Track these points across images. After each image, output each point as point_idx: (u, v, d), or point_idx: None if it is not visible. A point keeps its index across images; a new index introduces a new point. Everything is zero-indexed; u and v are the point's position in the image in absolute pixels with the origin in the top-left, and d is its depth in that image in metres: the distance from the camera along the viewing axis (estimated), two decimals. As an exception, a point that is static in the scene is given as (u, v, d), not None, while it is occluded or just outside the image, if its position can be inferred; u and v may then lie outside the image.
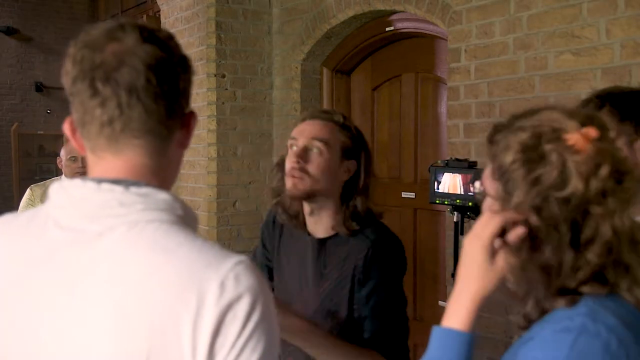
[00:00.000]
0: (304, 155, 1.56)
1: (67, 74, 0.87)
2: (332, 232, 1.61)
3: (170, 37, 0.90)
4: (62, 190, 0.86)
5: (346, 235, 1.59)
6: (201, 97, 3.91)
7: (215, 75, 3.81)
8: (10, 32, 7.24)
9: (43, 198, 3.35)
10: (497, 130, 0.96)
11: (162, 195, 0.84)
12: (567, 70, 2.41)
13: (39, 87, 7.40)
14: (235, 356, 0.77)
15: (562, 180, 0.86)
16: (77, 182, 0.85)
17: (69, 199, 0.85)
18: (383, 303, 1.55)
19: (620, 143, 1.34)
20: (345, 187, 1.60)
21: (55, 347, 0.80)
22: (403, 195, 3.50)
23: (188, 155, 4.11)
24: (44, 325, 0.81)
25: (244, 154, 3.94)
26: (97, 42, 0.85)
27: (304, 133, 1.59)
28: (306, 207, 1.63)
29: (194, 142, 4.04)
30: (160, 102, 0.85)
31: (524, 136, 0.91)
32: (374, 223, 1.62)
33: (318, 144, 1.56)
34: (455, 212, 2.53)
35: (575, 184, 0.85)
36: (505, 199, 0.90)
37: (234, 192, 3.91)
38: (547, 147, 0.88)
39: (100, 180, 0.84)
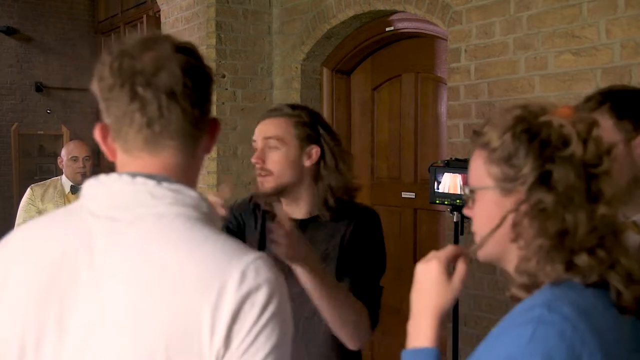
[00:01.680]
0: (262, 155, 1.65)
1: (103, 81, 0.92)
2: (309, 216, 1.67)
3: (196, 49, 0.98)
4: (98, 183, 0.92)
5: (326, 216, 1.66)
6: (201, 97, 3.91)
7: (215, 75, 3.81)
8: (10, 32, 7.24)
9: (43, 198, 3.35)
10: (483, 124, 0.99)
11: (191, 193, 0.91)
12: (567, 71, 2.41)
13: (39, 87, 7.40)
14: (250, 342, 0.82)
15: (564, 141, 0.90)
16: (114, 175, 0.92)
17: (105, 190, 0.91)
18: (365, 272, 1.62)
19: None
20: (317, 172, 1.66)
21: (94, 312, 0.87)
22: (403, 195, 3.50)
23: (188, 155, 4.11)
24: (83, 298, 0.88)
25: (243, 154, 3.93)
26: (134, 50, 0.91)
27: (259, 134, 1.68)
28: (283, 200, 1.68)
29: (194, 142, 4.04)
30: (195, 105, 0.92)
31: (516, 112, 0.94)
32: (351, 202, 1.70)
33: (272, 141, 1.64)
34: (455, 212, 2.53)
35: (575, 144, 0.89)
36: (512, 176, 0.91)
37: (234, 192, 3.91)
38: (541, 118, 0.93)
39: (134, 175, 0.90)
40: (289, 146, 1.64)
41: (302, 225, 1.66)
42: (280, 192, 1.65)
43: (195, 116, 0.93)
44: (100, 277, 0.87)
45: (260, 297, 0.84)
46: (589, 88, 2.27)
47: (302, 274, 1.46)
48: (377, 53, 3.72)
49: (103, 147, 0.97)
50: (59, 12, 7.57)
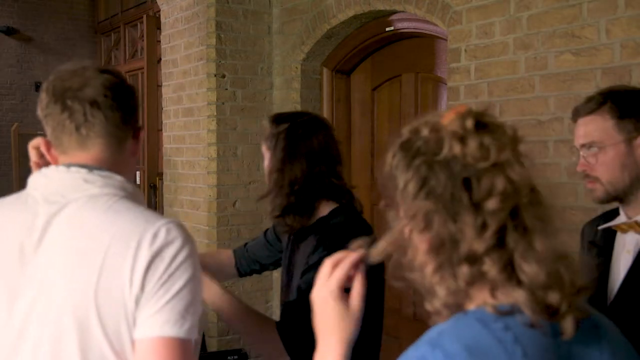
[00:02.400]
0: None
1: (41, 102, 1.18)
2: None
3: (119, 72, 1.24)
4: (40, 175, 1.16)
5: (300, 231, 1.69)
6: (201, 97, 3.91)
7: (215, 75, 3.81)
8: (10, 32, 7.24)
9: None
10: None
11: (117, 177, 1.15)
12: (567, 71, 2.41)
13: (39, 87, 7.39)
14: (161, 285, 1.04)
15: (439, 145, 0.85)
16: (52, 167, 1.16)
17: (45, 179, 1.15)
18: (301, 290, 1.59)
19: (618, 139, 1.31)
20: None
21: (38, 277, 1.09)
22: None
23: (188, 155, 4.11)
24: (31, 267, 1.10)
25: (244, 154, 3.93)
26: (65, 75, 1.17)
27: None
28: None
29: (193, 142, 4.04)
30: (116, 112, 1.17)
31: (402, 136, 0.90)
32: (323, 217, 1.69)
33: (264, 149, 1.74)
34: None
35: (449, 144, 0.84)
36: (393, 191, 0.88)
37: (234, 192, 3.91)
38: (423, 130, 0.88)
39: (69, 165, 1.15)
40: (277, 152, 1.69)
41: (290, 238, 1.78)
42: None
43: (117, 120, 1.17)
44: (41, 250, 1.09)
45: (170, 251, 1.05)
46: (589, 88, 2.27)
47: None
48: (377, 53, 3.71)
49: (48, 158, 1.20)
50: (59, 12, 7.57)
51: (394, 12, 3.34)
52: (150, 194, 5.62)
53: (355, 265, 0.97)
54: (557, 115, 2.45)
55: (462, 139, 0.84)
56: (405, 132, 0.90)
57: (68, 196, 1.11)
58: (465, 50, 2.78)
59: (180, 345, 1.05)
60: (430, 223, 0.83)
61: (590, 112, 1.53)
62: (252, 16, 3.92)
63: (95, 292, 1.04)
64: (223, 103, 3.85)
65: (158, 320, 1.04)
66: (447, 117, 0.88)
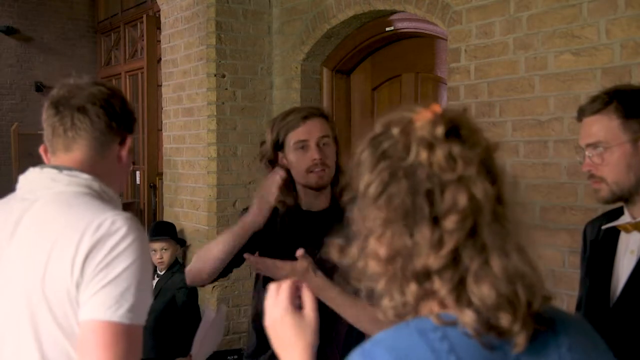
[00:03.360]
0: (323, 151, 1.85)
1: (44, 109, 1.31)
2: (326, 206, 1.88)
3: (110, 85, 1.39)
4: (23, 176, 1.28)
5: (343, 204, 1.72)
6: (201, 97, 3.91)
7: (215, 75, 3.81)
8: (10, 32, 7.23)
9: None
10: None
11: (84, 176, 1.24)
12: (567, 71, 2.41)
13: (39, 87, 7.40)
14: (99, 270, 1.11)
15: (406, 150, 0.80)
16: (31, 169, 1.27)
17: (24, 179, 1.27)
18: None
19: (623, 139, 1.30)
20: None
21: (7, 270, 1.21)
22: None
23: (188, 155, 4.11)
24: (3, 260, 1.22)
25: (243, 154, 3.93)
26: (64, 86, 1.31)
27: (314, 133, 1.84)
28: (315, 192, 1.88)
29: (193, 142, 4.04)
30: (102, 118, 1.28)
31: (375, 129, 0.86)
32: None
33: (327, 139, 1.86)
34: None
35: (416, 151, 0.79)
36: (357, 188, 0.84)
37: (234, 192, 3.91)
38: (394, 129, 0.83)
39: (44, 166, 1.27)
40: (333, 143, 1.89)
41: (320, 215, 1.87)
42: (327, 185, 1.87)
43: (102, 126, 1.27)
44: (12, 245, 1.20)
45: (112, 240, 1.12)
46: (589, 88, 2.27)
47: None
48: (377, 53, 3.71)
49: (45, 160, 1.33)
50: (59, 12, 7.57)
51: (394, 12, 3.33)
52: (150, 194, 5.62)
53: (298, 284, 1.00)
54: (557, 115, 2.45)
55: (430, 146, 0.79)
56: (378, 125, 0.86)
57: (37, 194, 1.23)
58: (465, 50, 2.78)
59: (114, 328, 1.09)
60: (385, 232, 0.80)
61: (596, 111, 1.51)
62: (252, 16, 3.92)
63: (43, 280, 1.13)
64: (223, 103, 3.85)
65: (93, 303, 1.11)
66: (420, 118, 0.83)
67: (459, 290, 0.78)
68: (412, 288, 0.79)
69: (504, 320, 0.77)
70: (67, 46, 7.57)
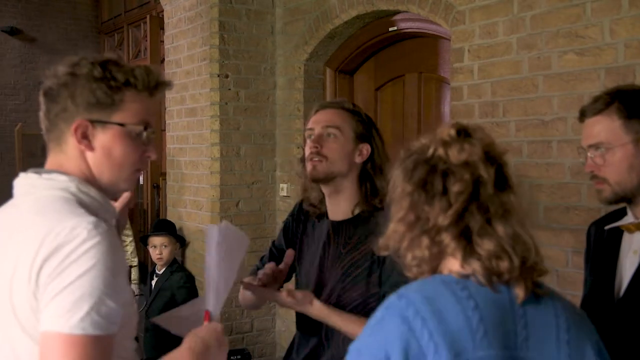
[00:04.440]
0: (320, 141, 1.72)
1: None
2: (350, 215, 1.73)
3: (81, 56, 1.21)
4: (15, 181, 1.21)
5: (367, 214, 1.69)
6: (204, 97, 3.91)
7: (218, 76, 3.82)
8: (13, 32, 7.25)
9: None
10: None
11: (61, 178, 1.16)
12: (571, 70, 2.41)
13: (43, 88, 7.40)
14: (52, 279, 1.03)
15: (428, 147, 1.06)
16: (21, 174, 1.20)
17: (15, 185, 1.21)
18: (402, 281, 1.59)
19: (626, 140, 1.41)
20: (363, 171, 1.74)
21: None
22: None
23: (191, 156, 4.11)
24: None
25: (247, 154, 3.94)
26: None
27: (319, 122, 1.74)
28: (325, 191, 1.76)
29: (197, 142, 4.04)
30: (54, 102, 1.17)
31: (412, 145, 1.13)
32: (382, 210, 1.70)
33: (332, 130, 1.72)
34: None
35: (435, 147, 1.05)
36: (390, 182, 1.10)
37: (237, 192, 3.91)
38: (423, 139, 1.10)
39: (28, 171, 1.19)
40: (346, 137, 1.72)
41: (339, 225, 1.74)
42: (329, 179, 1.72)
43: (56, 110, 1.17)
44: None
45: (68, 247, 1.03)
46: (592, 88, 2.27)
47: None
48: (380, 53, 3.71)
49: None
50: (62, 12, 7.58)
51: (397, 12, 3.33)
52: (153, 194, 5.63)
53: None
54: (560, 115, 2.45)
55: (446, 144, 1.05)
56: (413, 143, 1.12)
57: (19, 199, 1.19)
58: (469, 50, 2.78)
59: (65, 340, 1.00)
60: (410, 201, 1.04)
61: (598, 112, 1.51)
62: (255, 16, 3.92)
63: (11, 293, 1.07)
64: (226, 103, 3.85)
65: (46, 314, 1.03)
66: (441, 128, 1.09)
67: (465, 245, 1.01)
68: (425, 242, 1.02)
69: (502, 266, 0.99)
70: (71, 46, 7.58)
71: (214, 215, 3.87)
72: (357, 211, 1.71)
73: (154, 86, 1.21)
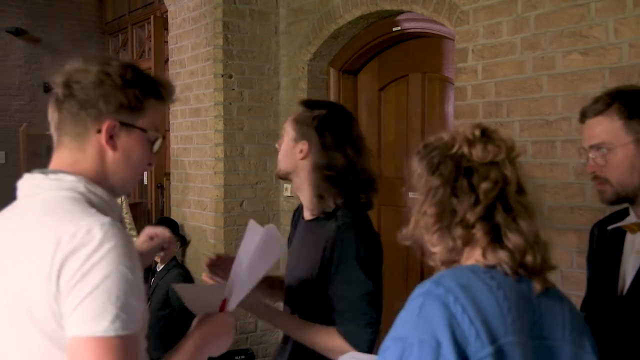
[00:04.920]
0: (281, 140, 1.81)
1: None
2: (312, 216, 1.75)
3: (92, 57, 1.21)
4: (19, 182, 1.20)
5: (323, 217, 1.71)
6: (208, 97, 3.92)
7: (222, 76, 3.82)
8: (18, 33, 7.27)
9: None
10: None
11: (68, 178, 1.15)
12: (575, 70, 2.40)
13: (47, 88, 7.42)
14: (75, 284, 1.03)
15: (452, 144, 1.13)
16: (25, 175, 1.19)
17: (19, 186, 1.20)
18: (346, 285, 1.63)
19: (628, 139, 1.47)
20: (311, 170, 1.71)
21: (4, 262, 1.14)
22: (410, 195, 3.49)
23: (195, 156, 4.12)
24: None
25: (250, 154, 3.94)
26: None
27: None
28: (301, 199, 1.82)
29: (201, 143, 4.04)
30: (72, 100, 1.15)
31: (428, 140, 1.19)
32: (351, 208, 1.69)
33: (284, 130, 1.79)
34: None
35: (459, 144, 1.11)
36: (414, 179, 1.16)
37: (240, 192, 3.92)
38: (444, 135, 1.16)
39: (33, 171, 1.19)
40: (287, 137, 1.76)
41: (305, 225, 1.79)
42: (283, 177, 1.80)
43: (74, 109, 1.15)
44: (5, 242, 1.15)
45: (85, 250, 1.03)
46: (597, 88, 2.26)
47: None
48: (384, 53, 3.71)
49: None
50: (67, 13, 7.60)
51: (401, 12, 3.33)
52: (157, 194, 5.63)
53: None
54: (564, 115, 2.44)
55: (470, 142, 1.11)
56: (430, 138, 1.17)
57: (24, 200, 1.18)
58: (473, 50, 2.78)
59: (99, 343, 1.02)
60: (437, 195, 1.11)
61: (598, 113, 1.51)
62: (258, 16, 3.92)
63: (24, 291, 1.07)
64: (230, 103, 3.85)
65: (74, 319, 1.03)
66: (463, 127, 1.16)
67: (493, 237, 1.08)
68: (459, 232, 1.09)
69: (528, 260, 1.07)
70: (75, 47, 7.60)
71: (217, 215, 3.87)
72: (315, 212, 1.72)
73: (171, 98, 1.27)
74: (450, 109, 3.26)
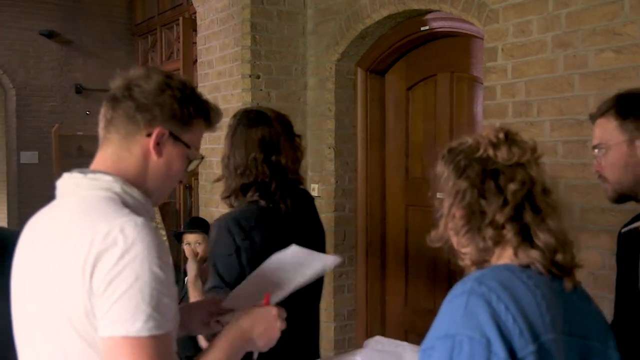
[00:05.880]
0: None
1: None
2: None
3: (152, 68, 1.29)
4: (58, 181, 1.23)
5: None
6: (236, 97, 3.94)
7: (250, 76, 3.84)
8: (51, 35, 7.41)
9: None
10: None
11: (106, 178, 1.18)
12: (608, 69, 2.36)
13: (79, 89, 7.56)
14: (107, 284, 1.05)
15: (477, 148, 1.15)
16: (65, 174, 1.23)
17: (58, 185, 1.23)
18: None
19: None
20: None
21: (31, 278, 1.18)
22: (438, 196, 3.46)
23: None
24: (39, 256, 1.18)
25: (278, 155, 3.94)
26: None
27: None
28: None
29: (228, 143, 4.07)
30: (129, 102, 1.21)
31: (452, 144, 1.22)
32: None
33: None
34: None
35: (485, 147, 1.14)
36: (442, 182, 1.19)
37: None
38: (468, 139, 1.19)
39: (73, 170, 1.22)
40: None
41: None
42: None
43: (129, 111, 1.20)
44: (39, 244, 1.18)
45: (118, 250, 1.05)
46: (630, 86, 2.20)
47: None
48: (411, 53, 3.69)
49: None
50: (97, 15, 7.72)
51: (429, 12, 3.31)
52: (185, 195, 5.69)
53: None
54: (597, 114, 2.40)
55: (495, 145, 1.14)
56: (454, 142, 1.20)
57: (62, 199, 1.21)
58: (502, 49, 2.74)
59: (134, 342, 1.04)
60: (465, 197, 1.13)
61: (601, 115, 1.59)
62: (286, 17, 3.93)
63: (61, 291, 1.09)
64: (257, 104, 3.87)
65: (109, 319, 1.05)
66: (486, 131, 1.19)
67: (524, 237, 1.10)
68: (489, 233, 1.11)
69: (559, 258, 1.10)
70: (106, 49, 7.72)
71: (245, 215, 3.89)
72: None
73: (217, 124, 1.34)
74: (478, 108, 3.23)
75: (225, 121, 1.25)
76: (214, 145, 4.27)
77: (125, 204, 1.16)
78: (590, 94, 2.42)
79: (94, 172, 1.20)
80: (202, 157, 1.31)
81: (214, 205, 4.30)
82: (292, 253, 1.55)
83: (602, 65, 2.38)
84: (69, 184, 1.21)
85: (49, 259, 1.13)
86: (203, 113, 1.28)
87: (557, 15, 2.52)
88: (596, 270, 2.35)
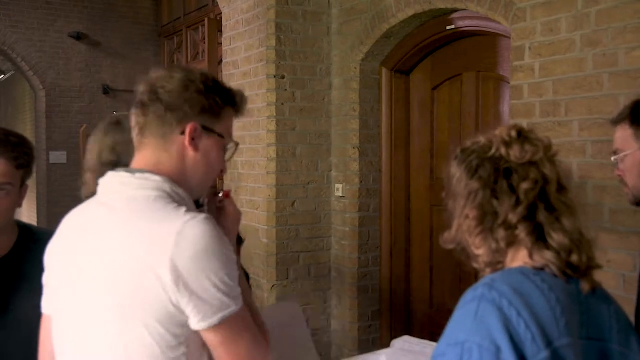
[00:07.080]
0: None
1: None
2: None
3: (177, 67, 1.32)
4: (101, 179, 1.26)
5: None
6: (261, 98, 3.95)
7: (274, 77, 3.85)
8: (79, 37, 7.53)
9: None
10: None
11: (155, 178, 1.21)
12: (639, 67, 2.31)
13: (106, 90, 7.67)
14: (193, 278, 1.11)
15: (489, 147, 1.14)
16: (109, 172, 1.25)
17: (101, 183, 1.26)
18: None
19: None
20: None
21: (88, 269, 1.20)
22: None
23: (248, 156, 4.16)
24: (82, 257, 1.22)
25: (302, 155, 3.95)
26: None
27: None
28: None
29: (253, 143, 4.09)
30: (158, 104, 1.22)
31: (465, 144, 1.21)
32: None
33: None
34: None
35: (497, 146, 1.13)
36: (454, 182, 1.17)
37: (292, 192, 3.94)
38: (481, 140, 1.18)
39: (119, 170, 1.24)
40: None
41: None
42: None
43: (160, 112, 1.22)
44: (89, 241, 1.20)
45: (193, 246, 1.11)
46: (662, 85, 2.17)
47: None
48: (437, 52, 3.66)
49: None
50: (125, 17, 7.82)
51: (455, 11, 3.28)
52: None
53: None
54: (627, 114, 2.35)
55: (507, 144, 1.13)
56: (467, 142, 1.19)
57: (109, 198, 1.23)
58: (530, 48, 2.71)
59: (237, 316, 1.16)
60: (477, 198, 1.12)
61: (619, 121, 1.64)
62: (311, 17, 3.93)
63: (128, 287, 1.13)
64: (282, 104, 3.88)
65: (199, 312, 1.13)
66: (499, 129, 1.17)
67: (537, 238, 1.08)
68: (502, 234, 1.09)
69: (574, 259, 1.07)
70: (133, 50, 7.82)
71: (270, 214, 3.91)
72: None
73: (244, 109, 1.35)
74: (505, 108, 3.19)
75: (251, 107, 1.33)
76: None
77: (177, 205, 1.20)
78: (620, 93, 2.38)
79: (142, 171, 1.22)
80: (237, 144, 1.33)
81: (238, 205, 4.32)
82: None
83: (633, 64, 2.33)
84: (114, 182, 1.23)
85: (111, 257, 1.16)
86: (230, 101, 1.30)
87: (586, 13, 2.48)
88: (627, 272, 2.30)
